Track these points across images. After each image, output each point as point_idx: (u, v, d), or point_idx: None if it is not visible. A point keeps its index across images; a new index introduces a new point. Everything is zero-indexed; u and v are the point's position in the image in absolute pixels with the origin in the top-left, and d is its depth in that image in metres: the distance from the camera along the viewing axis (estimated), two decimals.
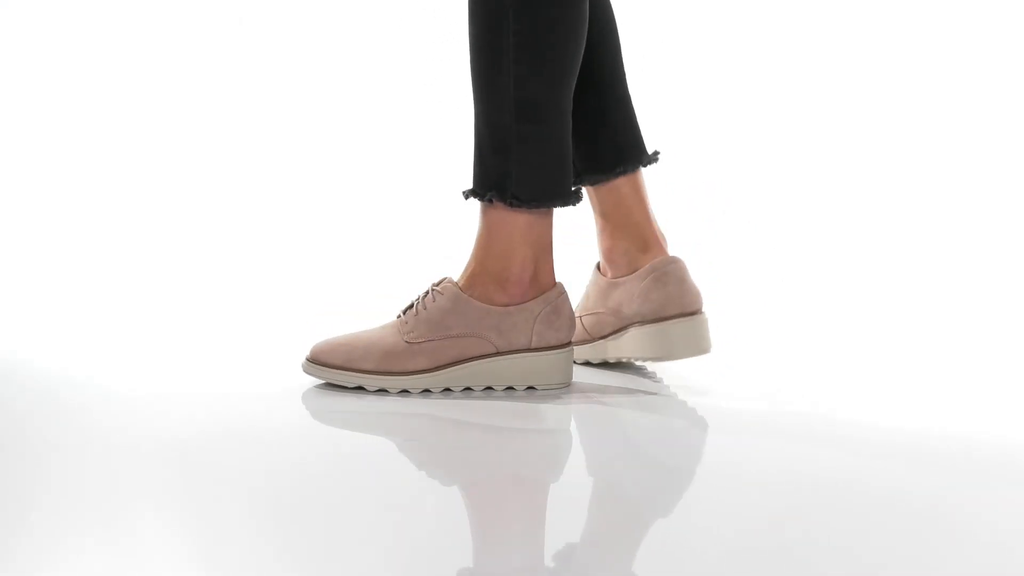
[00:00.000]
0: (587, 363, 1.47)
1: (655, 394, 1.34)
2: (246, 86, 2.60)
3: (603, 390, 1.37)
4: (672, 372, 1.43)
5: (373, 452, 1.17)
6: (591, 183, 1.40)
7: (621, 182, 1.39)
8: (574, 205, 1.34)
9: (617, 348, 1.42)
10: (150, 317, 1.81)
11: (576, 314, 1.47)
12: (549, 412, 1.29)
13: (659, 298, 1.34)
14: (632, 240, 1.39)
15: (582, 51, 1.33)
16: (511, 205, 1.30)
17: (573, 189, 1.34)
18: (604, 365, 1.45)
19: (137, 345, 1.61)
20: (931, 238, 2.30)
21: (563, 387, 1.35)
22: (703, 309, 1.36)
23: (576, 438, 1.27)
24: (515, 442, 1.21)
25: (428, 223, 2.14)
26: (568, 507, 1.00)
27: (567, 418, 1.29)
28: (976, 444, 1.18)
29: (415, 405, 1.28)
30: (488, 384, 1.33)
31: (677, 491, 1.07)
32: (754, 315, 1.89)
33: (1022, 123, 2.44)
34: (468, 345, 1.31)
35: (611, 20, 1.42)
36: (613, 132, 1.40)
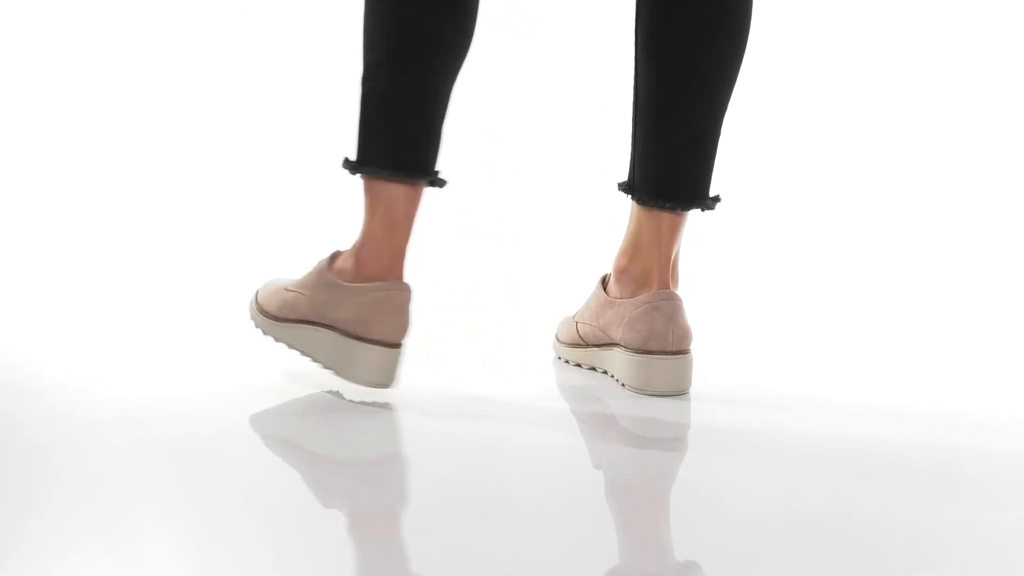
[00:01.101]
0: (578, 366, 1.48)
1: (656, 395, 1.33)
2: (243, 86, 2.60)
3: (603, 391, 1.37)
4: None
5: (370, 454, 1.17)
6: (638, 201, 1.38)
7: (666, 216, 1.36)
8: (411, 182, 1.28)
9: (605, 361, 1.43)
10: (148, 318, 1.81)
11: (573, 319, 1.47)
12: (549, 412, 1.28)
13: (644, 330, 1.33)
14: (645, 271, 1.37)
15: (438, 18, 1.27)
16: (351, 170, 1.29)
17: (437, 171, 1.30)
18: (595, 370, 1.46)
19: (134, 347, 1.61)
20: (931, 239, 2.30)
21: (375, 386, 1.30)
22: (689, 349, 1.34)
23: (576, 438, 1.26)
24: (515, 443, 1.20)
25: (426, 223, 2.13)
26: (567, 508, 0.99)
27: (568, 418, 1.29)
28: (980, 443, 1.18)
29: (412, 407, 1.28)
30: (310, 353, 1.32)
31: (677, 492, 1.07)
32: (758, 315, 1.89)
33: (1020, 123, 2.44)
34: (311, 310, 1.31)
35: (722, 59, 1.35)
36: (679, 166, 1.35)
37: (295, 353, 1.34)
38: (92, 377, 1.41)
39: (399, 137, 1.28)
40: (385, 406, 1.28)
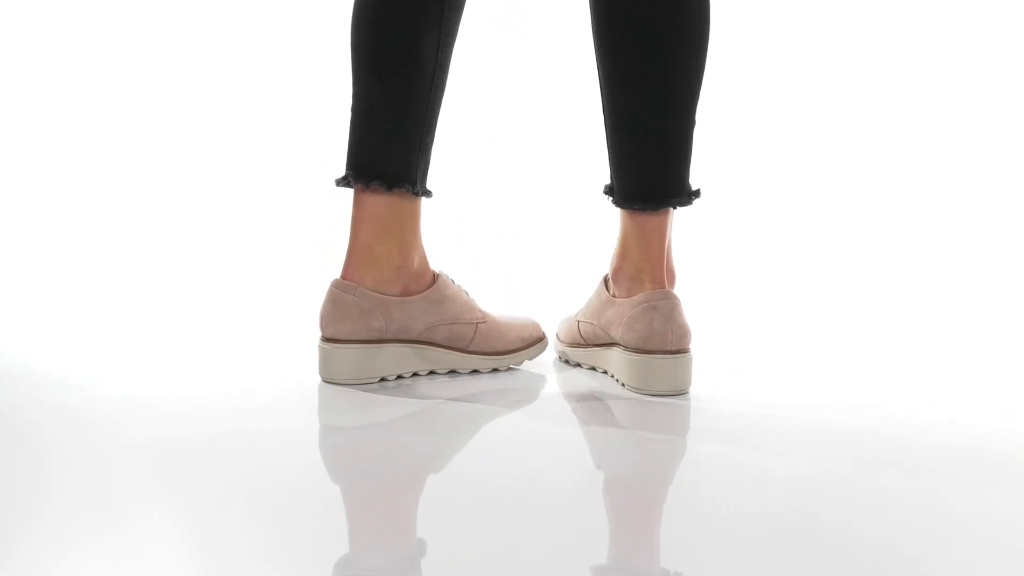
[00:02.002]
0: (578, 365, 1.48)
1: (656, 394, 1.33)
2: (244, 86, 2.60)
3: (603, 391, 1.37)
4: None
5: (369, 454, 1.17)
6: (616, 204, 1.39)
7: (646, 217, 1.36)
8: (347, 184, 1.35)
9: (605, 361, 1.43)
10: (150, 319, 1.81)
11: (575, 318, 1.48)
12: (549, 412, 1.28)
13: (643, 330, 1.33)
14: (637, 270, 1.37)
15: (383, 49, 1.33)
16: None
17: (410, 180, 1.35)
18: (595, 369, 1.46)
19: (135, 347, 1.61)
20: (928, 237, 2.30)
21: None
22: (688, 348, 1.34)
23: (577, 438, 1.26)
24: (514, 443, 1.20)
25: (428, 223, 2.14)
26: (567, 508, 0.99)
27: (568, 418, 1.29)
28: (986, 448, 1.18)
29: (412, 407, 1.28)
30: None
31: (678, 493, 1.07)
32: (758, 314, 1.89)
33: (1020, 123, 2.44)
34: None
35: (683, 61, 1.33)
36: (650, 169, 1.36)
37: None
38: (92, 377, 1.41)
39: (350, 142, 1.37)
40: (386, 406, 1.28)
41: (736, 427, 1.24)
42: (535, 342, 1.46)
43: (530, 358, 1.46)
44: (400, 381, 1.37)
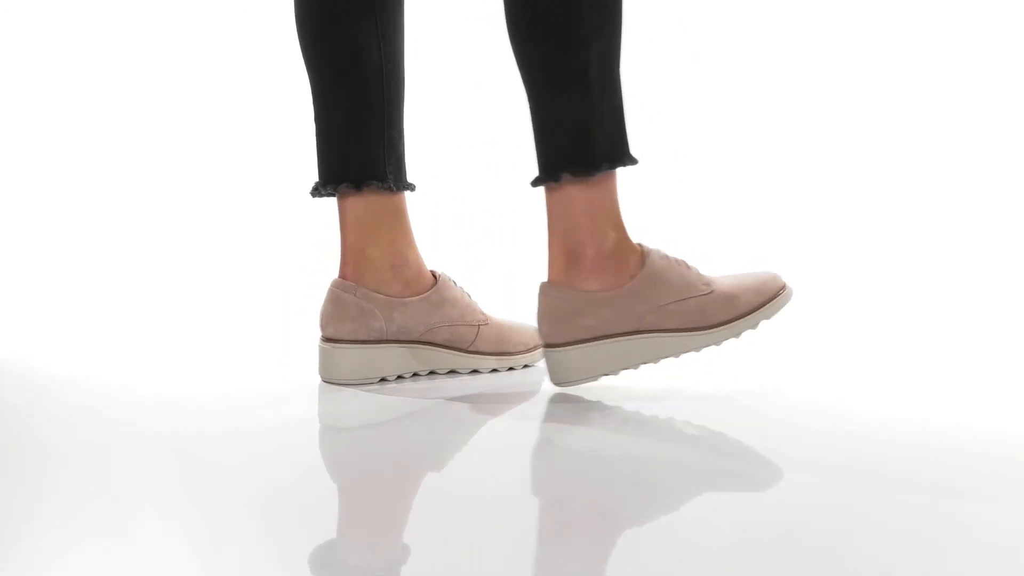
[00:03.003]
0: None
1: (665, 396, 1.33)
2: (243, 86, 2.60)
3: (601, 392, 1.36)
4: (680, 372, 1.41)
5: (369, 455, 1.17)
6: None
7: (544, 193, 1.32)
8: (321, 191, 1.36)
9: None
10: (150, 319, 1.81)
11: None
12: (552, 413, 1.28)
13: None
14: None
15: (321, 50, 1.35)
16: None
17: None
18: None
19: (135, 347, 1.61)
20: (934, 239, 2.30)
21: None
22: (554, 342, 1.29)
23: (580, 440, 1.26)
24: (516, 446, 1.20)
25: (426, 223, 2.14)
26: (565, 509, 0.99)
27: (568, 419, 1.29)
28: (986, 449, 1.18)
29: (412, 407, 1.28)
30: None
31: (676, 494, 1.07)
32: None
33: (1021, 123, 2.44)
34: None
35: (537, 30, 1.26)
36: (538, 142, 1.30)
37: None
38: (93, 376, 1.41)
39: (316, 150, 1.37)
40: (386, 406, 1.28)
41: (735, 428, 1.24)
42: (537, 348, 1.46)
43: (530, 363, 1.46)
44: (400, 381, 1.37)
